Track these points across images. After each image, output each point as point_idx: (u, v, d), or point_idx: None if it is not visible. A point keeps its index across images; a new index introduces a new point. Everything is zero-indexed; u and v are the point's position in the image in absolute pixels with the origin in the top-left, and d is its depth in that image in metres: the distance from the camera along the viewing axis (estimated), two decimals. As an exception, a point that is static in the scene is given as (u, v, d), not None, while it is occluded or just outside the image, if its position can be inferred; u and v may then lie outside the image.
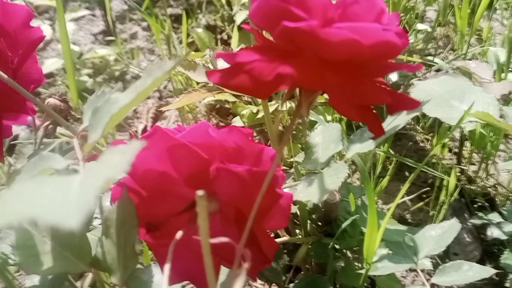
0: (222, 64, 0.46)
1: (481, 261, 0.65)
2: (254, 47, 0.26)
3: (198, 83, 0.49)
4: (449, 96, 0.44)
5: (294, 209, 0.55)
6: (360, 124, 0.76)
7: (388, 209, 0.63)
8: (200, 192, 0.20)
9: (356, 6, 0.25)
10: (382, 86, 0.27)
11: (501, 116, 0.42)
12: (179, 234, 0.29)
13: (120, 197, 0.32)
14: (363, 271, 0.47)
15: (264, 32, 0.28)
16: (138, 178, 0.31)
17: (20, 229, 0.33)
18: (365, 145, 0.41)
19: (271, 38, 0.26)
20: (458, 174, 0.74)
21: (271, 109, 0.67)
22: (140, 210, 0.32)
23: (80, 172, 0.20)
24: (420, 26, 0.87)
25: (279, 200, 0.32)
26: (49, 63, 0.95)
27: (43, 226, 0.33)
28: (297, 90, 0.28)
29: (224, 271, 0.38)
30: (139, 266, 0.39)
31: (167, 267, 0.25)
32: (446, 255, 0.64)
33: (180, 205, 0.31)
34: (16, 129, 0.62)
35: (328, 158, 0.42)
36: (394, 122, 0.41)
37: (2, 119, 0.37)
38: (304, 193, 0.39)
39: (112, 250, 0.33)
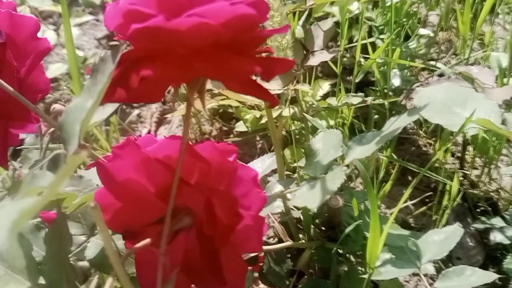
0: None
1: (484, 266, 0.65)
2: (122, 56, 0.25)
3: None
4: (451, 103, 0.44)
5: (298, 214, 0.55)
6: (363, 129, 0.76)
7: (391, 214, 0.64)
8: (92, 204, 0.20)
9: None
10: (257, 56, 0.27)
11: (502, 122, 0.43)
12: (139, 245, 0.29)
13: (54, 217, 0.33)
14: (366, 276, 0.47)
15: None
16: (116, 186, 0.31)
17: None
18: (364, 150, 0.41)
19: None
20: (461, 178, 0.74)
21: (275, 114, 0.68)
22: (118, 217, 0.32)
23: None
24: (422, 31, 0.88)
25: (240, 221, 0.32)
26: (54, 68, 0.95)
27: None
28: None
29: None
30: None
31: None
32: (449, 260, 0.65)
33: (157, 215, 0.31)
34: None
35: (328, 164, 0.43)
36: (396, 123, 0.41)
37: (9, 127, 0.37)
38: (302, 199, 0.39)
39: (55, 267, 0.34)
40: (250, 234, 0.33)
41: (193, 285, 0.34)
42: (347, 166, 0.43)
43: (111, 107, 0.36)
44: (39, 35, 0.36)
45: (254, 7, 0.24)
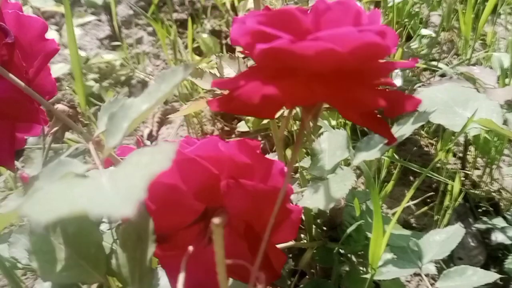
0: (228, 71, 0.47)
1: (486, 266, 0.65)
2: (247, 71, 0.26)
3: (203, 89, 0.50)
4: (452, 103, 0.44)
5: (299, 214, 0.55)
6: (365, 129, 0.76)
7: (393, 214, 0.64)
8: (216, 220, 0.20)
9: (330, 12, 0.24)
10: (380, 88, 0.27)
11: (504, 122, 0.43)
12: (191, 248, 0.29)
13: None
14: (368, 276, 0.47)
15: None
16: (147, 190, 0.31)
17: (36, 234, 0.33)
18: (372, 153, 0.41)
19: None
20: (463, 178, 0.75)
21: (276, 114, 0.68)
22: None
23: (102, 176, 0.20)
24: (424, 31, 0.88)
25: (290, 215, 0.32)
26: (56, 68, 0.96)
27: (60, 232, 0.33)
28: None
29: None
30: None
31: (180, 281, 0.25)
32: (451, 260, 0.65)
33: (190, 218, 0.31)
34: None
35: (334, 165, 0.43)
36: (400, 131, 0.41)
37: (15, 130, 0.37)
38: (311, 200, 0.39)
39: (128, 264, 0.33)
40: (287, 225, 0.33)
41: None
42: (349, 165, 0.43)
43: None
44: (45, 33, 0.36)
45: (382, 36, 0.23)
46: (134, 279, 0.32)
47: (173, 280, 0.33)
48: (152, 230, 0.32)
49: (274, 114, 0.26)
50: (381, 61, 0.26)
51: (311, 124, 0.27)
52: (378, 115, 0.27)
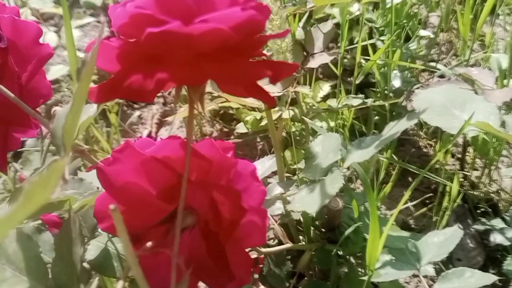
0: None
1: (484, 267, 0.65)
2: (126, 57, 0.26)
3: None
4: (450, 105, 0.44)
5: (298, 215, 0.55)
6: (364, 130, 0.77)
7: (392, 215, 0.64)
8: (111, 206, 0.20)
9: None
10: (260, 59, 0.28)
11: (501, 125, 0.43)
12: (147, 246, 0.29)
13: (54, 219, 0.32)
14: (366, 278, 0.47)
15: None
16: (117, 190, 0.31)
17: None
18: (363, 154, 0.41)
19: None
20: (461, 179, 0.75)
21: (275, 116, 0.68)
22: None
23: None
24: (422, 32, 0.88)
25: (244, 215, 0.32)
26: (55, 70, 0.96)
27: (1, 253, 0.34)
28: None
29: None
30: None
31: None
32: (450, 261, 0.65)
33: (159, 217, 0.32)
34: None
35: (327, 167, 0.43)
36: (395, 128, 0.41)
37: (10, 132, 0.37)
38: (301, 203, 0.39)
39: (65, 269, 0.34)
40: (253, 228, 0.33)
41: (201, 282, 0.34)
42: (347, 168, 0.43)
43: (94, 107, 0.37)
44: (40, 38, 0.36)
45: (260, 11, 0.25)
46: (73, 283, 0.33)
47: (149, 277, 0.33)
48: (81, 232, 0.33)
49: (154, 97, 0.27)
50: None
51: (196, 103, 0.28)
52: (259, 84, 0.28)
